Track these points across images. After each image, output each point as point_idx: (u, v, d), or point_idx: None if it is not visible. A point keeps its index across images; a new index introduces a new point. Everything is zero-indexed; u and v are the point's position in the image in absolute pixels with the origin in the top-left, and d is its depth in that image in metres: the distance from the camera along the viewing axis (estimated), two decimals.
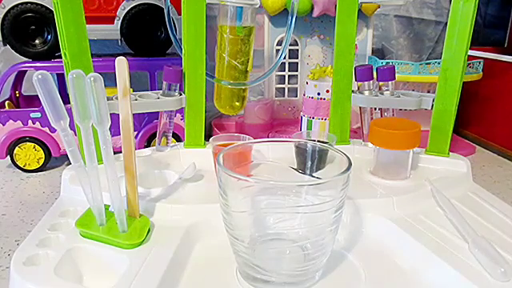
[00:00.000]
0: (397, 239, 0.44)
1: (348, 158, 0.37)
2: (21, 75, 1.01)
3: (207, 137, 0.61)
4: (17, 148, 0.92)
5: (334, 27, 0.62)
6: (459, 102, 0.58)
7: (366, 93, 0.64)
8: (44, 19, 0.90)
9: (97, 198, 0.41)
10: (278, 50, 1.13)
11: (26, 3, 0.88)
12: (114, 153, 0.41)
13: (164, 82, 0.61)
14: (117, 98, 0.44)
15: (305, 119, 0.93)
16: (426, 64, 1.03)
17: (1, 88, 0.90)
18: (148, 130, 0.98)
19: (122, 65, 0.40)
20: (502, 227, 0.45)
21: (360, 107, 0.66)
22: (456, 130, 0.63)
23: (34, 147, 0.93)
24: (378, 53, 1.35)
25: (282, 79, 1.18)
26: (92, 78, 0.37)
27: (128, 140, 0.42)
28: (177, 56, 1.00)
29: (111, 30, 0.95)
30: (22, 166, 0.94)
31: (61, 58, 0.52)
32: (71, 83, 0.37)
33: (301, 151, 0.44)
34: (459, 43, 0.56)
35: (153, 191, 0.50)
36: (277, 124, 1.16)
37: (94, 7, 0.93)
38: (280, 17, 1.11)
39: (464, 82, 0.58)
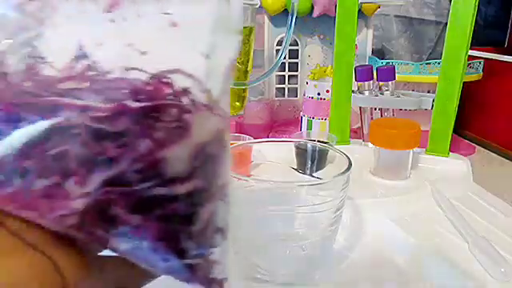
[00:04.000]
0: (397, 239, 0.44)
1: (348, 157, 0.37)
2: None
3: None
4: None
5: (334, 27, 0.62)
6: (459, 102, 0.58)
7: (366, 93, 0.64)
8: None
9: None
10: (277, 50, 1.13)
11: None
12: None
13: None
14: None
15: (305, 119, 0.93)
16: (426, 64, 1.03)
17: None
18: None
19: None
20: (502, 227, 0.45)
21: (360, 107, 0.66)
22: (456, 130, 0.63)
23: None
24: (378, 53, 1.35)
25: (281, 79, 1.18)
26: None
27: None
28: None
29: None
30: None
31: None
32: None
33: (301, 151, 0.44)
34: (459, 43, 0.56)
35: None
36: (277, 124, 1.15)
37: None
38: (280, 17, 1.11)
39: (464, 82, 0.58)
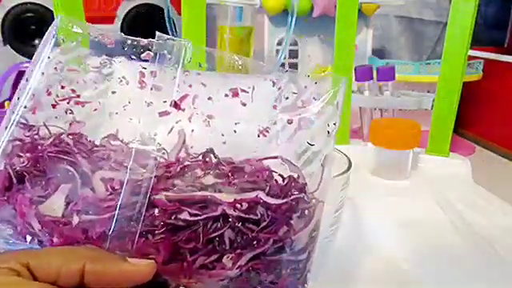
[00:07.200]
0: (397, 239, 0.44)
1: (348, 158, 0.37)
2: (21, 75, 1.01)
3: None
4: None
5: (334, 27, 0.62)
6: (459, 102, 0.58)
7: (366, 93, 0.64)
8: (44, 19, 0.90)
9: None
10: (278, 50, 1.13)
11: (26, 3, 0.88)
12: None
13: None
14: None
15: None
16: (426, 64, 1.03)
17: (1, 88, 0.90)
18: None
19: None
20: (502, 227, 0.45)
21: (360, 107, 0.66)
22: (456, 130, 0.63)
23: None
24: (378, 53, 1.35)
25: None
26: None
27: None
28: None
29: (111, 30, 0.95)
30: None
31: None
32: None
33: None
34: (459, 43, 0.56)
35: None
36: None
37: (94, 7, 0.93)
38: (280, 17, 1.11)
39: (464, 82, 0.58)
